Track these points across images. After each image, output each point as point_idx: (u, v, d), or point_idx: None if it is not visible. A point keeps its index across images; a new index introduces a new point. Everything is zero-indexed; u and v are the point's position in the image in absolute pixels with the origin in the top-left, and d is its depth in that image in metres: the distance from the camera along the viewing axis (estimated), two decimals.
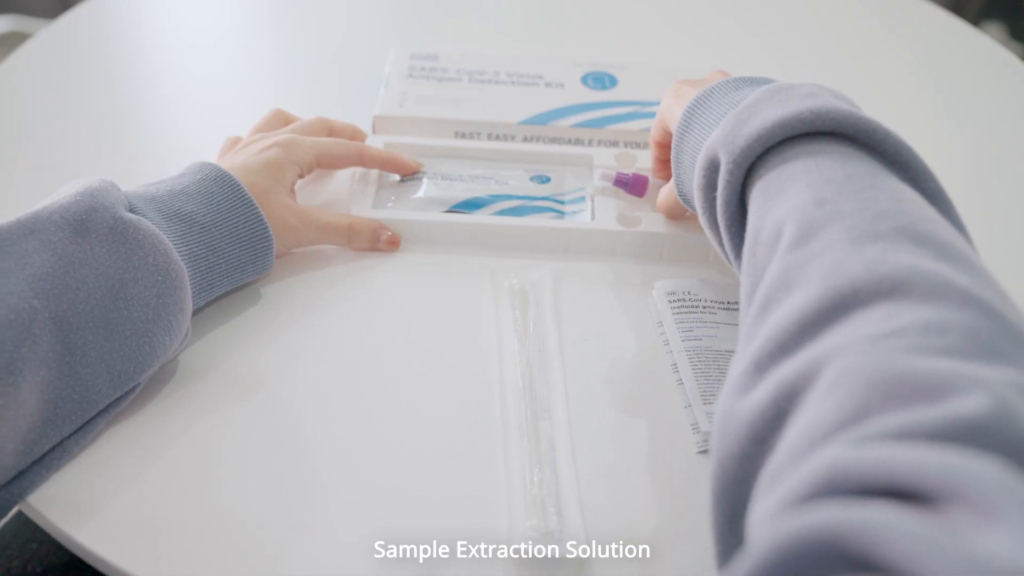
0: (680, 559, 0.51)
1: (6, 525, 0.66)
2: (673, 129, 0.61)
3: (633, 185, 0.70)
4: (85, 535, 0.50)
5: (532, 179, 0.73)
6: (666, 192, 0.68)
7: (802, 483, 0.34)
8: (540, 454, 0.55)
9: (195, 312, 0.59)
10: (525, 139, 0.78)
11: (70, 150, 0.78)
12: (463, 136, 0.78)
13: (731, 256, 0.54)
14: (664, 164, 0.70)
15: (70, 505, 0.51)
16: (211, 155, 0.70)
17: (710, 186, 0.54)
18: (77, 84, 0.86)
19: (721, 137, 0.53)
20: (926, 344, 0.37)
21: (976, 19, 1.88)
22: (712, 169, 0.54)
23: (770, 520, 0.35)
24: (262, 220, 0.61)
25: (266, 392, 0.58)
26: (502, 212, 0.70)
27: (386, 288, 0.66)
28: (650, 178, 0.71)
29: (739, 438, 0.40)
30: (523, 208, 0.70)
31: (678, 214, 0.68)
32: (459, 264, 0.68)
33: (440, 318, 0.64)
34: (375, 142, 0.75)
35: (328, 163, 0.70)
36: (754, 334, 0.44)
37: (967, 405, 0.33)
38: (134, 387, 0.55)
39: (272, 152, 0.66)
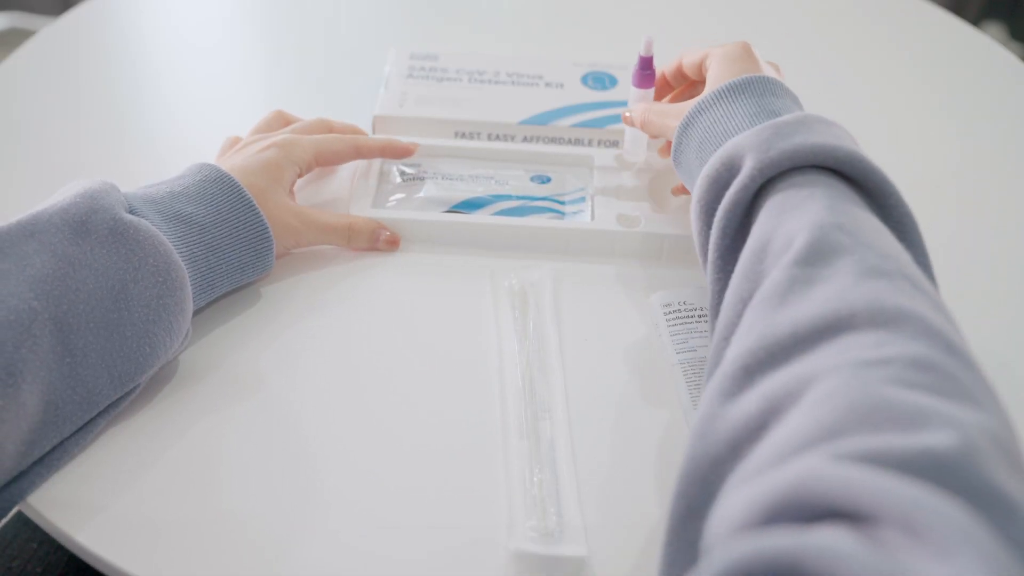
0: None
1: (6, 525, 0.66)
2: (699, 94, 0.63)
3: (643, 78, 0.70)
4: (85, 535, 0.50)
5: (532, 179, 0.73)
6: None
7: (772, 489, 0.35)
8: (540, 454, 0.55)
9: (196, 312, 0.59)
10: (525, 139, 0.78)
11: (70, 149, 0.78)
12: (463, 136, 0.78)
13: (713, 254, 0.55)
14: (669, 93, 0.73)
15: (70, 505, 0.51)
16: (211, 155, 0.70)
17: (716, 184, 0.56)
18: (78, 83, 0.86)
19: (754, 143, 0.54)
20: (909, 378, 0.38)
21: (976, 19, 1.88)
22: (728, 168, 0.55)
23: (729, 538, 0.36)
24: (262, 221, 0.61)
25: (266, 392, 0.58)
26: (502, 212, 0.70)
27: (386, 288, 0.66)
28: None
29: (718, 442, 0.41)
30: (523, 208, 0.70)
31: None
32: (459, 264, 0.68)
33: (440, 318, 0.64)
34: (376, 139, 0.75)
35: (327, 160, 0.70)
36: (747, 332, 0.45)
37: (937, 440, 0.34)
38: (134, 387, 0.55)
39: (271, 152, 0.66)
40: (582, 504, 0.52)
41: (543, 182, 0.72)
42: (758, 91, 0.60)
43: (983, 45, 0.96)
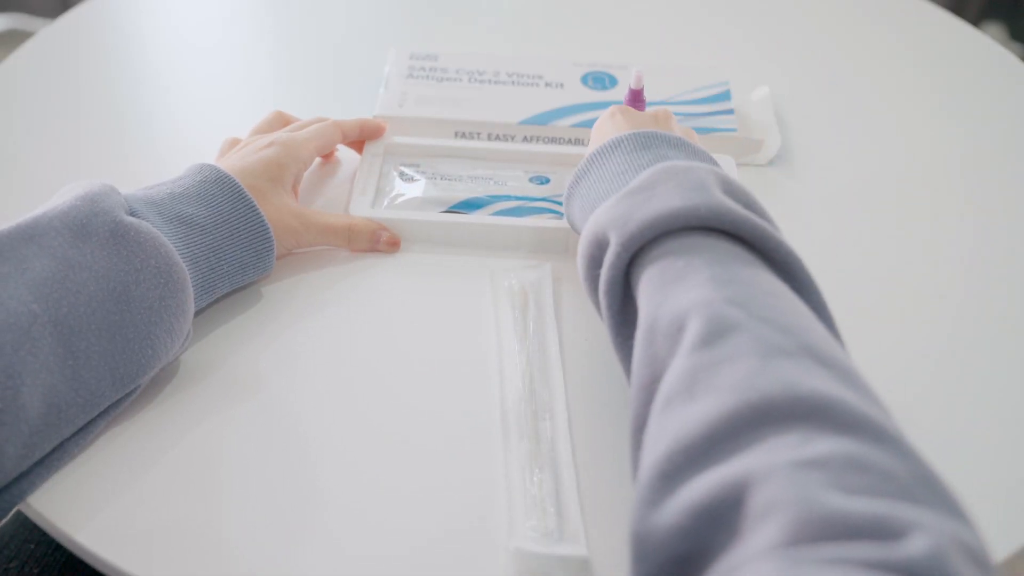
0: None
1: (3, 526, 0.66)
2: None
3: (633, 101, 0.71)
4: (85, 535, 0.50)
5: (531, 180, 0.73)
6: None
7: None
8: (540, 454, 0.55)
9: (196, 313, 0.59)
10: (525, 139, 0.78)
11: (71, 149, 0.78)
12: (463, 136, 0.78)
13: (611, 332, 0.53)
14: None
15: (70, 505, 0.51)
16: (211, 155, 0.70)
17: (595, 263, 0.54)
18: (77, 84, 0.86)
19: (612, 217, 0.52)
20: (848, 482, 0.36)
21: (976, 19, 1.88)
22: (598, 246, 0.53)
23: None
24: (263, 221, 0.61)
25: (266, 393, 0.58)
26: (500, 213, 0.70)
27: (386, 288, 0.66)
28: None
29: (658, 559, 0.39)
30: (521, 209, 0.70)
31: None
32: (459, 264, 0.68)
33: (440, 318, 0.64)
34: (376, 142, 0.75)
35: (324, 150, 0.72)
36: (659, 435, 0.42)
37: (910, 547, 0.32)
38: (135, 388, 0.55)
39: (270, 151, 0.66)
40: (582, 504, 0.52)
41: (542, 183, 0.72)
42: (626, 148, 0.58)
43: (983, 45, 0.96)
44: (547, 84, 0.82)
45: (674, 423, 0.42)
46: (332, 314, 0.64)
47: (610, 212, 0.53)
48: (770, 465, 0.37)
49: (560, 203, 0.71)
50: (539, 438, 0.56)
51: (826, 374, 0.41)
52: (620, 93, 0.81)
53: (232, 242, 0.60)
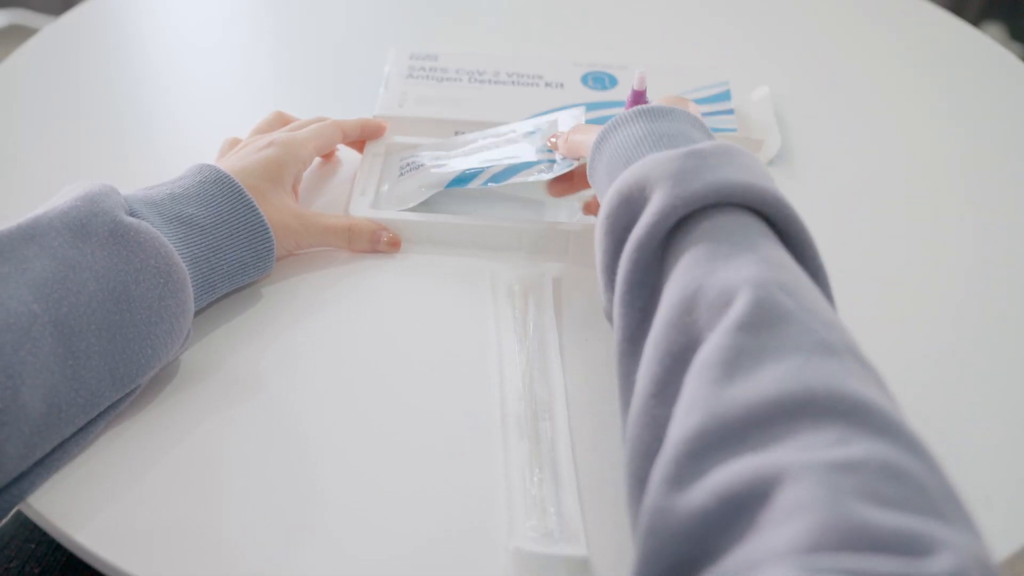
0: None
1: (4, 526, 0.66)
2: (589, 145, 0.59)
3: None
4: (85, 535, 0.50)
5: (528, 133, 0.72)
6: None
7: None
8: (540, 454, 0.55)
9: (196, 313, 0.59)
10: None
11: (71, 149, 0.78)
12: (463, 135, 0.78)
13: (619, 281, 0.51)
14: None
15: (70, 505, 0.51)
16: (211, 154, 0.70)
17: (623, 216, 0.51)
18: (78, 83, 0.86)
19: (668, 172, 0.50)
20: (881, 491, 0.35)
21: (976, 19, 1.88)
22: (631, 201, 0.51)
23: None
24: (263, 221, 0.61)
25: (266, 393, 0.58)
26: (494, 178, 0.69)
27: (386, 289, 0.66)
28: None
29: (675, 537, 0.38)
30: (514, 167, 0.68)
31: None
32: (459, 265, 0.68)
33: (440, 319, 0.64)
34: (376, 142, 0.75)
35: (324, 150, 0.72)
36: (691, 406, 0.41)
37: (934, 565, 0.32)
38: (135, 388, 0.55)
39: (270, 151, 0.66)
40: (582, 504, 0.52)
41: (533, 132, 0.72)
42: (680, 118, 0.56)
43: (983, 45, 0.96)
44: (547, 84, 0.82)
45: (709, 399, 0.40)
46: (332, 314, 0.64)
47: (665, 166, 0.50)
48: (805, 462, 0.36)
49: (553, 161, 0.68)
50: (539, 438, 0.56)
51: (867, 377, 0.41)
52: (620, 93, 0.81)
53: (232, 242, 0.60)
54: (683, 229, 0.49)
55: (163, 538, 0.50)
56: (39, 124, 0.81)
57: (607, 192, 0.53)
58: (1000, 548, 0.52)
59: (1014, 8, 1.93)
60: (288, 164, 0.66)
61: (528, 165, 0.68)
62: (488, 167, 0.70)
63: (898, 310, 0.67)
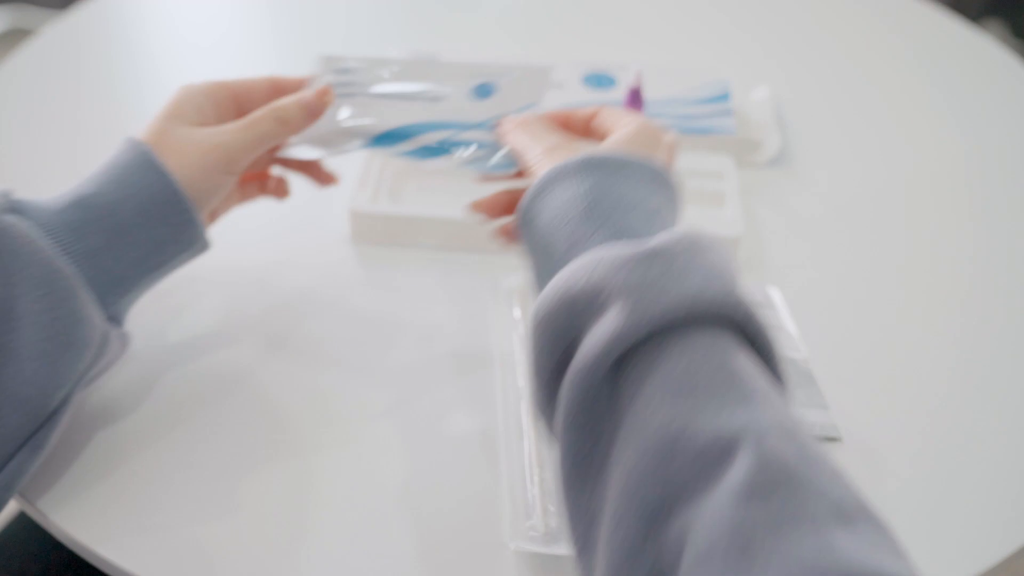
0: None
1: (5, 526, 0.67)
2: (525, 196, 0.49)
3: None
4: (85, 535, 0.50)
5: (473, 91, 0.61)
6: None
7: None
8: (540, 454, 0.55)
9: (131, 305, 0.54)
10: None
11: (72, 148, 0.78)
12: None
13: (562, 413, 0.41)
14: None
15: (70, 505, 0.52)
16: None
17: (577, 310, 0.41)
18: (79, 83, 0.86)
19: (627, 284, 0.40)
20: None
21: (976, 16, 1.88)
22: (592, 296, 0.41)
23: None
24: (170, 185, 0.52)
25: (265, 392, 0.58)
26: (422, 149, 0.58)
27: (386, 288, 0.66)
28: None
29: None
30: (446, 143, 0.58)
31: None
32: (459, 264, 0.68)
33: (440, 318, 0.64)
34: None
35: (243, 89, 0.60)
36: None
37: None
38: (61, 407, 0.49)
39: (173, 92, 0.56)
40: None
41: (484, 95, 0.61)
42: (636, 174, 0.47)
43: (983, 45, 0.96)
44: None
45: None
46: (331, 313, 0.64)
47: (623, 274, 0.41)
48: None
49: (488, 147, 0.58)
50: (539, 438, 0.56)
51: (884, 543, 0.35)
52: (620, 93, 0.81)
53: (140, 218, 0.51)
54: (646, 350, 0.40)
55: (163, 537, 0.50)
56: (41, 124, 0.81)
57: (546, 285, 0.43)
58: (1000, 548, 0.52)
59: (1015, 5, 1.93)
60: (184, 94, 0.56)
61: (458, 146, 0.58)
62: (421, 131, 0.59)
63: (898, 309, 0.67)
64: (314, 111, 0.57)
